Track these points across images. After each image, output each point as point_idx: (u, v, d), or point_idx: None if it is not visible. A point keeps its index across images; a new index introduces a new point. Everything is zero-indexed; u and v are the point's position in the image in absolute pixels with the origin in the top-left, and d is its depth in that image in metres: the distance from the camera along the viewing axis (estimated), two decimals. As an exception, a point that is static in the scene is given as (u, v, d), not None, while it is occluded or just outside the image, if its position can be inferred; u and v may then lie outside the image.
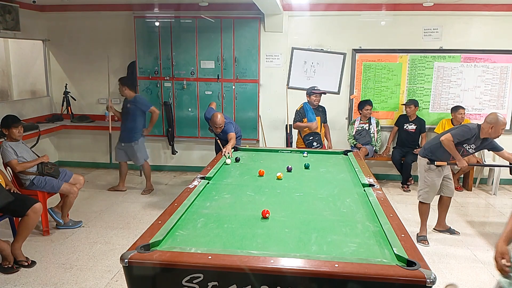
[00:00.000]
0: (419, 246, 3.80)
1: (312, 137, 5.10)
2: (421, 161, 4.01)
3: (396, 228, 2.19)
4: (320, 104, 5.21)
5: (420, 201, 4.08)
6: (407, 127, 5.70)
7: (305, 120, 5.13)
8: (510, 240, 2.06)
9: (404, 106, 5.74)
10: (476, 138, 3.77)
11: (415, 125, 5.68)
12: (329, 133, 5.40)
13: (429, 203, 4.04)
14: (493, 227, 4.47)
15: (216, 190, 2.98)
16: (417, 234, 4.09)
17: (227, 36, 5.88)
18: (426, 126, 5.89)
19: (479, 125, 3.79)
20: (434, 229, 4.27)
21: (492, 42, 5.62)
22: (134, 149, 5.34)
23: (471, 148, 3.84)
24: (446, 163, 3.89)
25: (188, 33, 5.92)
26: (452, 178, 4.13)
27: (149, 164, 5.57)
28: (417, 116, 5.71)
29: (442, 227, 4.24)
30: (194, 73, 6.02)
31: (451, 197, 4.15)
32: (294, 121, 5.26)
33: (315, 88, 5.09)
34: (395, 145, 5.86)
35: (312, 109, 5.12)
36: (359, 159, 3.96)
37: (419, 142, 5.77)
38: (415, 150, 5.59)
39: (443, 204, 4.19)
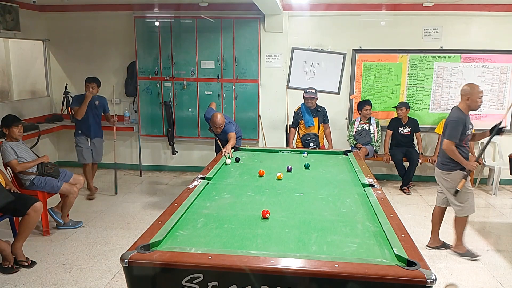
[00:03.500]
0: (469, 261, 3.68)
1: (309, 138, 5.12)
2: (454, 175, 3.62)
3: (396, 228, 2.19)
4: (319, 104, 5.22)
5: (460, 216, 3.69)
6: (402, 130, 5.69)
7: (302, 121, 5.16)
8: None
9: (396, 108, 5.71)
10: (466, 119, 3.56)
11: (409, 127, 5.68)
12: (330, 134, 5.38)
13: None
14: (493, 227, 4.46)
15: (216, 190, 2.98)
16: (462, 252, 3.74)
17: (227, 36, 5.88)
18: (426, 127, 5.90)
19: (458, 107, 3.61)
20: (427, 246, 3.93)
21: (492, 42, 5.62)
22: (102, 145, 5.37)
23: (469, 130, 3.62)
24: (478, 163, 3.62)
25: (188, 33, 5.92)
26: None
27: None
28: (409, 117, 5.69)
29: (437, 243, 3.93)
30: (194, 73, 6.02)
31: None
32: (292, 122, 5.29)
33: (308, 90, 5.09)
34: (392, 147, 5.83)
35: (309, 110, 5.14)
36: (359, 159, 3.96)
37: (415, 143, 5.77)
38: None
39: (442, 216, 3.92)
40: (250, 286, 1.77)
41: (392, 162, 5.71)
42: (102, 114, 5.27)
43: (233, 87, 6.02)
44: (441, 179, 3.75)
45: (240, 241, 2.10)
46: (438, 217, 3.92)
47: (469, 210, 3.67)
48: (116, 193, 5.37)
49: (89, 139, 5.16)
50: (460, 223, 3.75)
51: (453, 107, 3.71)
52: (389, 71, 5.85)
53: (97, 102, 5.12)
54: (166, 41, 5.97)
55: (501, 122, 3.65)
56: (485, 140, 3.98)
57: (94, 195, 5.24)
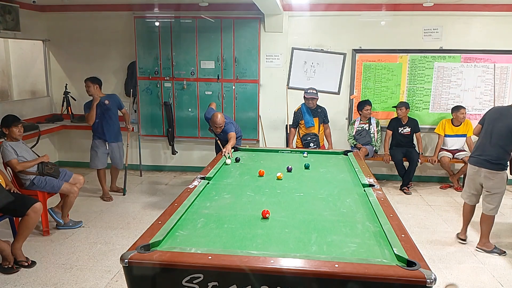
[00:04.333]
0: (493, 256, 3.76)
1: (309, 138, 5.12)
2: (502, 175, 3.69)
3: (396, 228, 2.19)
4: (319, 104, 5.22)
5: (490, 215, 3.79)
6: (402, 130, 5.69)
7: (302, 122, 5.16)
8: None
9: (395, 108, 5.71)
10: None
11: (409, 127, 5.68)
12: (330, 134, 5.38)
13: None
14: (493, 227, 4.45)
15: (216, 190, 2.98)
16: (490, 248, 3.83)
17: (227, 36, 5.87)
18: (426, 127, 5.91)
19: None
20: (459, 237, 4.07)
21: (492, 42, 5.62)
22: (121, 149, 5.31)
23: None
24: None
25: (188, 33, 5.92)
26: None
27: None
28: (409, 117, 5.70)
29: (464, 236, 4.06)
30: (194, 73, 6.02)
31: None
32: (293, 122, 5.29)
33: (308, 91, 5.08)
34: (392, 147, 5.83)
35: (309, 110, 5.14)
36: (359, 159, 3.96)
37: (415, 143, 5.78)
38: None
39: (473, 212, 4.03)
40: (250, 286, 1.77)
41: (392, 162, 5.71)
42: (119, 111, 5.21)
43: (233, 87, 6.02)
44: (486, 178, 3.74)
45: (240, 241, 2.10)
46: (469, 213, 4.01)
47: (498, 211, 3.79)
48: (124, 194, 5.39)
49: (107, 143, 5.11)
50: (489, 222, 3.83)
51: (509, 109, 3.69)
52: (389, 71, 5.85)
53: (106, 102, 4.95)
54: (166, 41, 5.97)
55: None
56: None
57: (110, 196, 5.22)
